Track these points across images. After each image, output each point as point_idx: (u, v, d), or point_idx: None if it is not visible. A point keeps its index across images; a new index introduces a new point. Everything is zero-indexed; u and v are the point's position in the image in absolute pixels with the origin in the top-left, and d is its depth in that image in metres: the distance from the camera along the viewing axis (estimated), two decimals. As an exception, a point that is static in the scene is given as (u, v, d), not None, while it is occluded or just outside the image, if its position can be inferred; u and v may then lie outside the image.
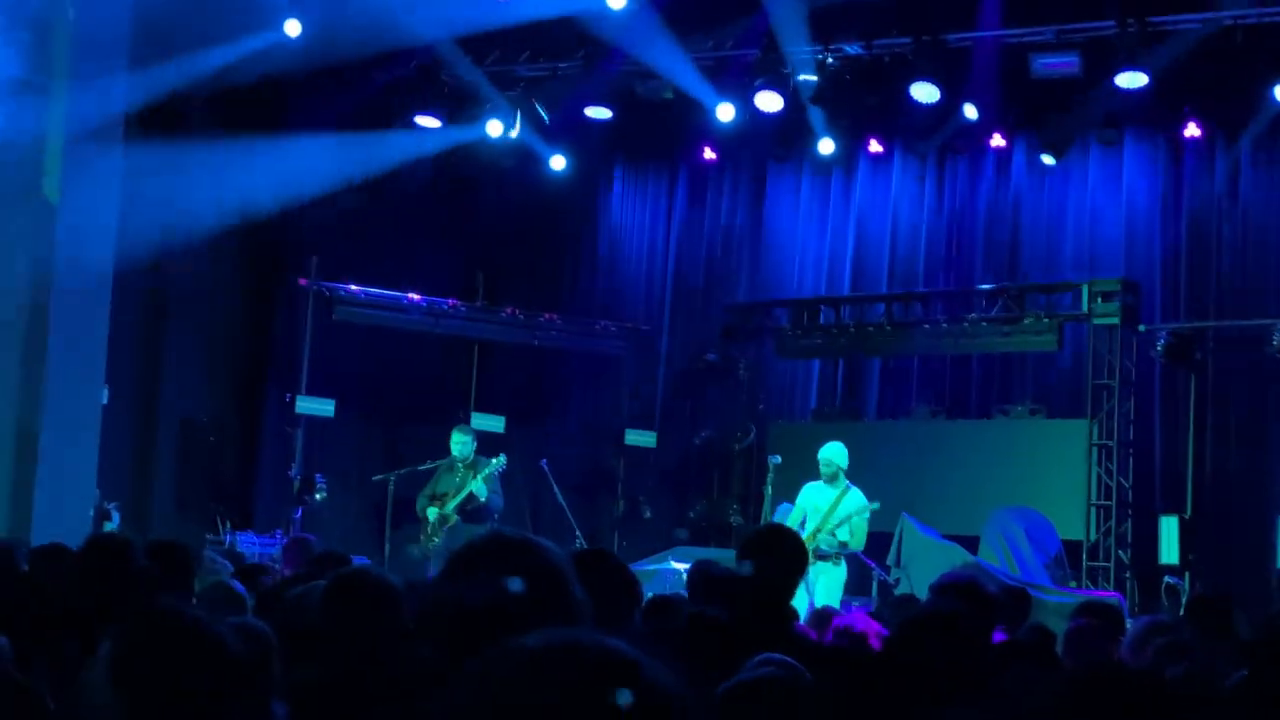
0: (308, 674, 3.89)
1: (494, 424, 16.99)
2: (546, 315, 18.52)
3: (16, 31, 11.95)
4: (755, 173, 18.72)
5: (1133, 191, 16.69)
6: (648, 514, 17.89)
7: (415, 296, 17.61)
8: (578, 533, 14.99)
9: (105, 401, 13.03)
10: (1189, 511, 15.22)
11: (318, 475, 16.31)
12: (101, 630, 2.78)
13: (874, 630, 6.57)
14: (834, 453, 12.84)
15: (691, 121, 17.20)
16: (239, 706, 2.73)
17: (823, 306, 17.64)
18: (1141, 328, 15.73)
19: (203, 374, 17.06)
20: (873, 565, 13.60)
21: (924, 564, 13.02)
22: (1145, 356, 15.74)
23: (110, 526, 13.44)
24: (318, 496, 16.15)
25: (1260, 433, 15.60)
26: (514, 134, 17.30)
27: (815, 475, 12.82)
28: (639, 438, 18.20)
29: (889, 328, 16.99)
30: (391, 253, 17.73)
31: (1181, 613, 10.64)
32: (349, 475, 16.91)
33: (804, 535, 11.44)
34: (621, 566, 4.74)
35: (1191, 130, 15.96)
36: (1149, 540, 15.01)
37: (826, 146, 16.93)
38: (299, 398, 16.70)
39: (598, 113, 17.35)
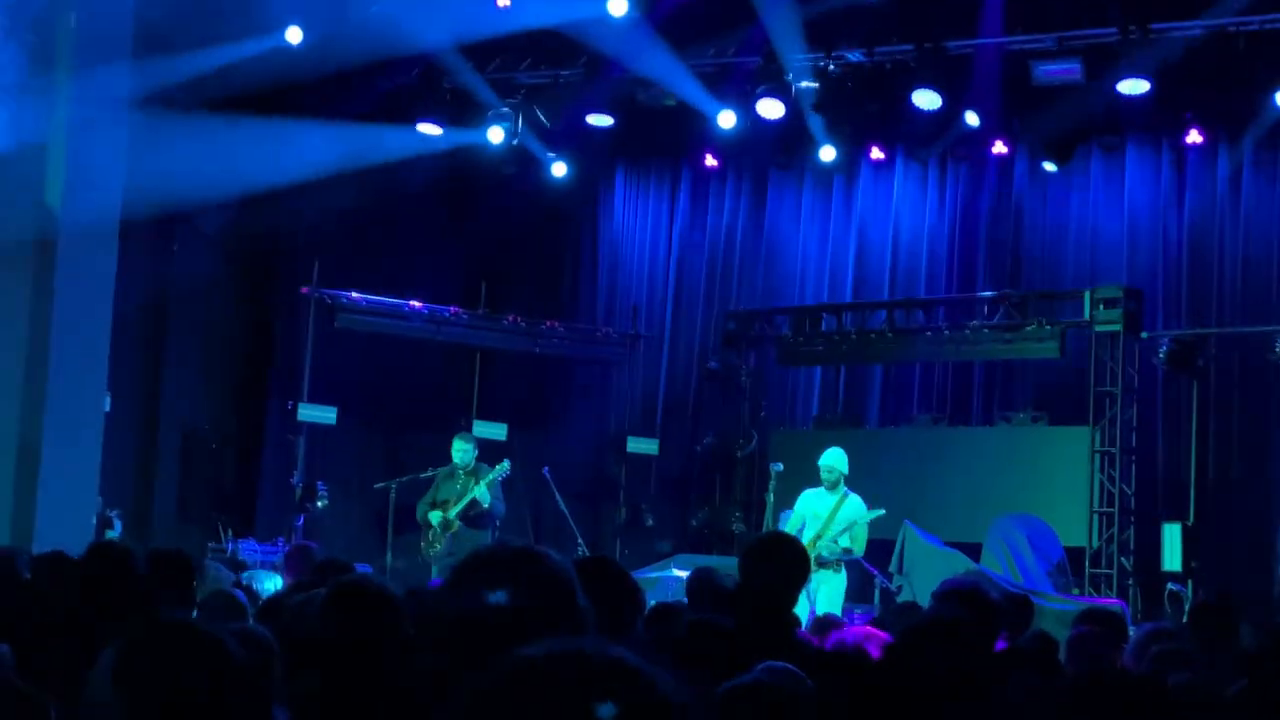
0: (309, 682, 3.88)
1: (496, 431, 17.00)
2: (548, 323, 18.52)
3: (18, 33, 11.96)
4: (757, 180, 18.73)
5: (1134, 198, 16.70)
6: (650, 521, 17.88)
7: (417, 304, 17.61)
8: (579, 540, 14.99)
9: (108, 409, 13.03)
10: (1192, 518, 15.20)
11: (319, 483, 16.30)
12: (103, 638, 2.78)
13: (877, 637, 6.56)
14: (835, 459, 12.83)
15: (693, 128, 17.21)
16: (240, 713, 2.73)
17: (824, 313, 17.64)
18: (1144, 334, 15.73)
19: (204, 381, 17.08)
20: (875, 572, 13.59)
21: (926, 571, 13.00)
22: (1147, 363, 15.74)
23: (112, 534, 13.45)
24: (319, 504, 16.15)
25: (1263, 439, 15.60)
26: (515, 141, 17.31)
27: (817, 482, 12.80)
28: (641, 445, 18.20)
29: (891, 335, 16.99)
30: (393, 260, 17.74)
31: (1184, 620, 10.63)
32: (350, 483, 16.91)
33: (804, 542, 11.42)
34: (623, 574, 4.74)
35: (1193, 137, 15.96)
36: (1152, 547, 14.99)
37: (828, 153, 16.94)
38: (301, 405, 16.69)
39: (599, 120, 17.37)
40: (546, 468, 15.25)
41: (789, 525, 12.58)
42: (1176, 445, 15.85)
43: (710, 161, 18.51)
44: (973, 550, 13.94)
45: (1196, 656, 6.00)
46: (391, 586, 4.23)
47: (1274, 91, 14.72)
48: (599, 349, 18.90)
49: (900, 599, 12.68)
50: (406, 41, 15.58)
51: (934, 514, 14.72)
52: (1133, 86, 14.88)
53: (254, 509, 16.98)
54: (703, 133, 17.23)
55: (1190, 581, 14.52)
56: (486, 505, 13.73)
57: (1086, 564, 15.16)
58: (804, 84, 15.95)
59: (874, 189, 18.08)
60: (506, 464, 13.98)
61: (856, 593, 13.64)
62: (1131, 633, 7.59)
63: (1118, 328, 15.49)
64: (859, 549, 12.73)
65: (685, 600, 7.98)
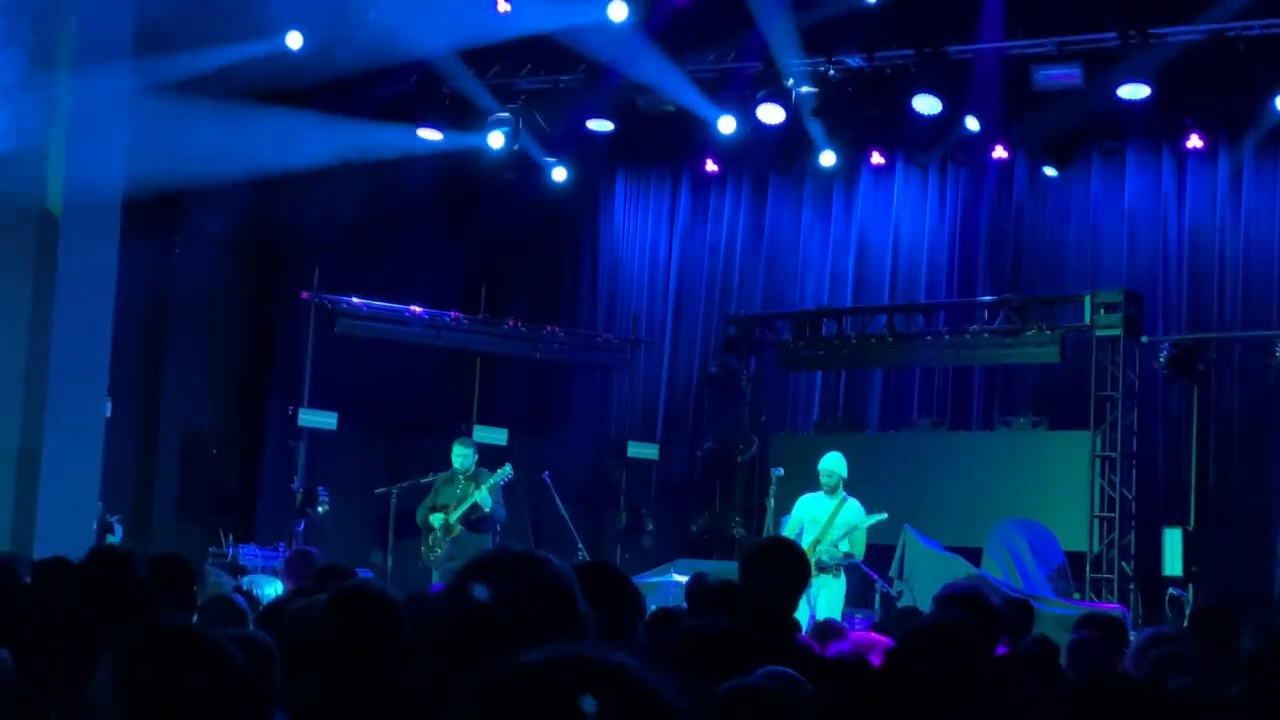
0: (310, 687, 3.88)
1: (496, 436, 17.00)
2: (549, 328, 18.53)
3: (18, 33, 11.96)
4: (757, 185, 18.74)
5: (1135, 203, 16.70)
6: (650, 526, 17.89)
7: (417, 309, 17.62)
8: (580, 545, 14.99)
9: (108, 414, 13.03)
10: (1192, 523, 15.20)
11: (320, 488, 16.30)
12: (103, 642, 2.78)
13: (881, 644, 6.56)
14: (835, 463, 12.82)
15: (693, 133, 17.21)
16: (241, 717, 2.73)
17: (825, 318, 17.64)
18: (1144, 339, 15.73)
19: (205, 387, 17.08)
20: (875, 577, 13.58)
21: (927, 576, 13.00)
22: (1148, 368, 15.74)
23: (113, 539, 13.44)
24: (320, 509, 16.14)
25: (1263, 443, 15.59)
26: (516, 146, 17.31)
27: (818, 487, 12.79)
28: (641, 450, 18.20)
29: (891, 339, 16.99)
30: (393, 265, 17.75)
31: (1185, 625, 10.63)
32: (351, 488, 16.90)
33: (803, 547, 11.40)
34: (624, 579, 4.73)
35: (1193, 141, 15.96)
36: (1152, 552, 15.00)
37: (828, 158, 16.95)
38: (301, 410, 16.69)
39: (599, 125, 17.38)
40: (547, 472, 15.25)
41: (787, 530, 12.56)
42: (1177, 450, 15.85)
43: (710, 166, 18.51)
44: (973, 555, 13.94)
45: (1197, 661, 6.00)
46: (392, 591, 4.23)
47: (1274, 95, 14.72)
48: (599, 354, 18.91)
49: (901, 604, 12.67)
50: (406, 48, 15.59)
51: (934, 519, 14.72)
52: (1133, 91, 14.89)
53: (254, 514, 16.99)
54: (703, 138, 17.23)
55: (1191, 586, 14.52)
56: (488, 509, 13.73)
57: (1087, 569, 15.16)
58: (804, 89, 15.95)
59: (874, 194, 18.08)
60: (509, 468, 13.97)
61: (857, 597, 13.64)
62: (1132, 637, 7.58)
63: (1118, 332, 15.50)
64: (859, 553, 12.73)
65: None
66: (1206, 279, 16.22)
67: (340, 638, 3.90)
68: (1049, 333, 15.89)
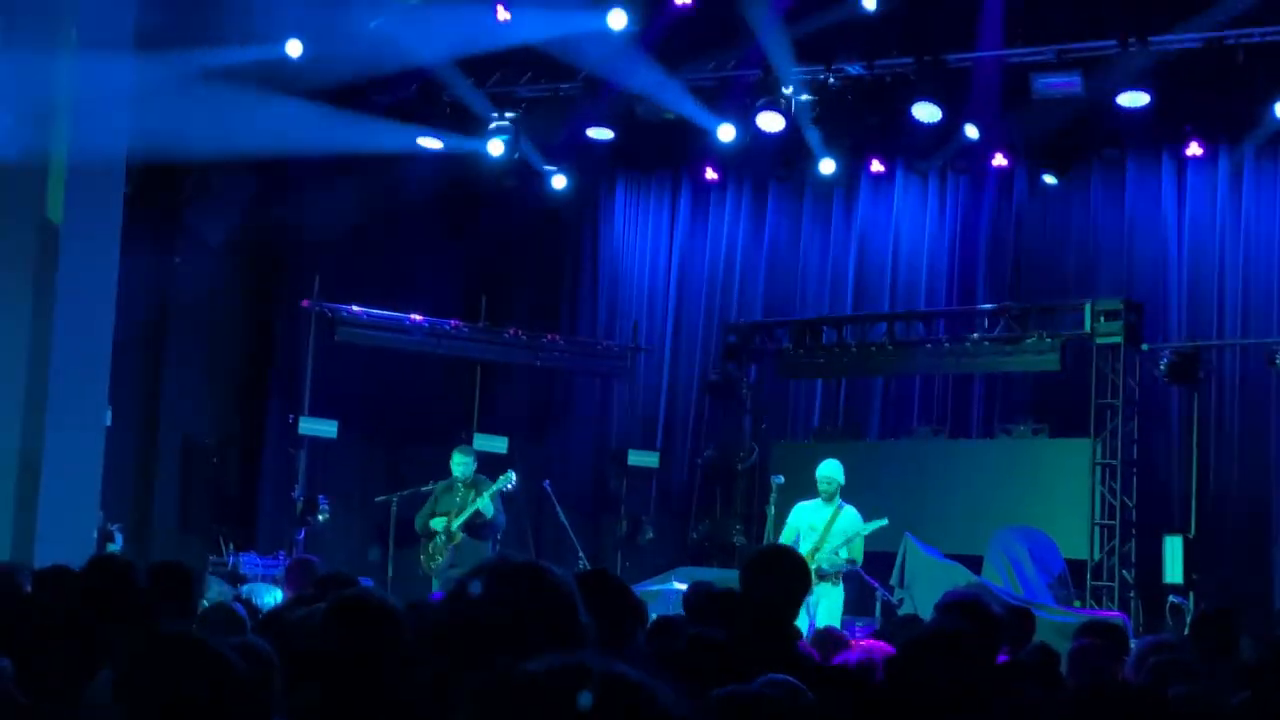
0: (309, 695, 3.88)
1: (497, 445, 16.98)
2: (549, 336, 18.53)
3: (18, 33, 11.96)
4: (757, 193, 18.74)
5: (1135, 210, 16.70)
6: (650, 534, 17.87)
7: (417, 317, 17.61)
8: (580, 553, 14.96)
9: (108, 423, 13.03)
10: (1193, 531, 15.19)
11: (320, 496, 16.28)
12: (104, 651, 2.78)
13: (884, 651, 6.55)
14: (834, 470, 12.82)
15: (693, 141, 17.22)
16: (241, 727, 2.73)
17: (825, 326, 17.64)
18: (1144, 346, 15.73)
19: (205, 395, 17.08)
20: (876, 585, 13.57)
21: (927, 584, 12.99)
22: (1148, 375, 15.74)
23: (113, 548, 13.44)
24: (320, 518, 16.12)
25: (1264, 451, 15.59)
26: (516, 154, 17.31)
27: (817, 495, 12.79)
28: (641, 458, 18.19)
29: (891, 347, 17.00)
30: (393, 273, 17.75)
31: (1186, 632, 10.63)
32: (351, 496, 16.89)
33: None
34: (625, 588, 4.74)
35: (1193, 149, 15.98)
36: (1153, 559, 14.99)
37: (828, 166, 16.95)
38: (301, 419, 16.68)
39: (599, 133, 17.38)
40: (547, 481, 15.24)
41: (784, 538, 12.55)
42: (1177, 457, 15.84)
43: (710, 174, 18.52)
44: (973, 563, 13.93)
45: (1197, 668, 6.00)
46: (393, 600, 4.23)
47: (1273, 102, 14.73)
48: (599, 362, 18.91)
49: (901, 612, 12.67)
50: (406, 56, 15.60)
51: (934, 526, 14.71)
52: (1132, 99, 14.90)
53: (255, 522, 16.97)
54: (702, 146, 17.23)
55: (1191, 594, 14.51)
56: (490, 516, 13.73)
57: (1088, 576, 15.16)
58: (803, 97, 15.97)
59: (874, 202, 18.08)
60: (512, 475, 13.97)
61: (857, 605, 13.63)
62: (1133, 645, 7.58)
63: (1118, 340, 15.51)
64: (858, 560, 12.73)
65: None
66: (1206, 286, 16.22)
67: (340, 646, 3.90)
68: (1049, 340, 15.89)
